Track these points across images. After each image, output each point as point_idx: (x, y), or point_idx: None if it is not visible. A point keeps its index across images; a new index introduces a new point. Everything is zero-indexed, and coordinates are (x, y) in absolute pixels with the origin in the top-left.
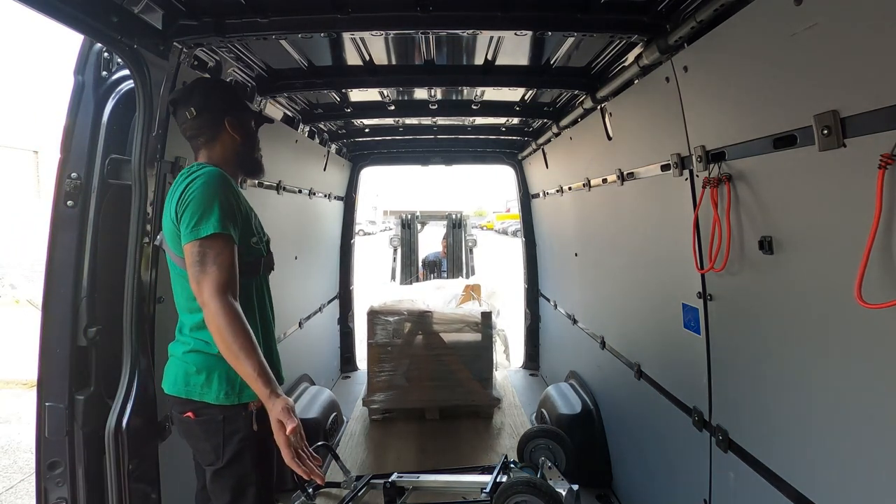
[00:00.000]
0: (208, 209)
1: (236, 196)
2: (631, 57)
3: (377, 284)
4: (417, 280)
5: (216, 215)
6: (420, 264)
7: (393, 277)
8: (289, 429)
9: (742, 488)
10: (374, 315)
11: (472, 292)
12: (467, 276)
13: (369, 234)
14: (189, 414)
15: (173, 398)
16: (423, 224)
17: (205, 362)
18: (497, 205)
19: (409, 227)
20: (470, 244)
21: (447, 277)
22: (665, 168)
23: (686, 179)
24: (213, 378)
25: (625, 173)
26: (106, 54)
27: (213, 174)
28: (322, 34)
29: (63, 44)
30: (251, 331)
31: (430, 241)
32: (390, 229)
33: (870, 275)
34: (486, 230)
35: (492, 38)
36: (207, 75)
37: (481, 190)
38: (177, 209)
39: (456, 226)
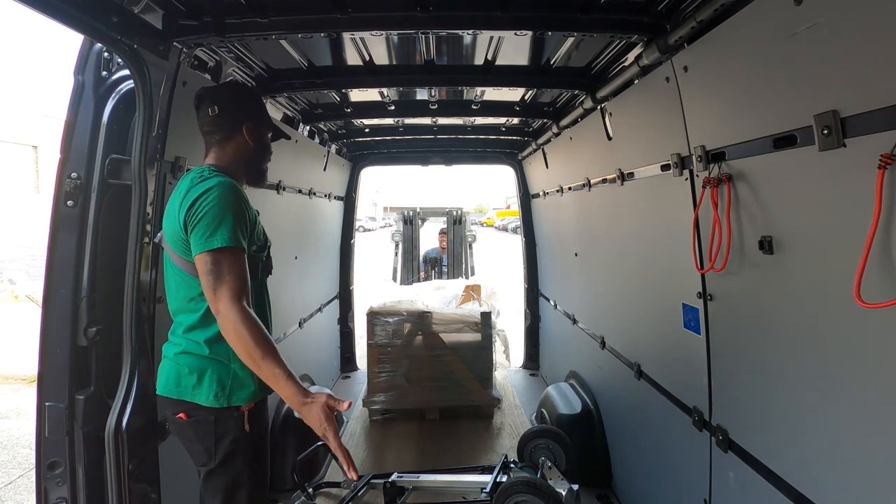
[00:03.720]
0: (222, 222)
1: (246, 205)
2: (631, 57)
3: (377, 283)
4: (419, 280)
5: (229, 228)
6: (421, 260)
7: (394, 278)
8: (331, 437)
9: (742, 488)
10: (373, 316)
11: (472, 292)
12: (467, 276)
13: (369, 230)
14: (181, 415)
15: (166, 399)
16: (424, 220)
17: (196, 364)
18: (497, 201)
19: (410, 223)
20: (470, 240)
21: (448, 275)
22: (665, 168)
23: (686, 179)
24: (204, 379)
25: (625, 173)
26: (106, 54)
27: (226, 186)
28: (322, 34)
29: (64, 43)
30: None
31: (431, 237)
32: (390, 226)
33: (869, 274)
34: (486, 227)
35: (492, 38)
36: (208, 76)
37: (482, 186)
38: (186, 217)
39: (456, 222)
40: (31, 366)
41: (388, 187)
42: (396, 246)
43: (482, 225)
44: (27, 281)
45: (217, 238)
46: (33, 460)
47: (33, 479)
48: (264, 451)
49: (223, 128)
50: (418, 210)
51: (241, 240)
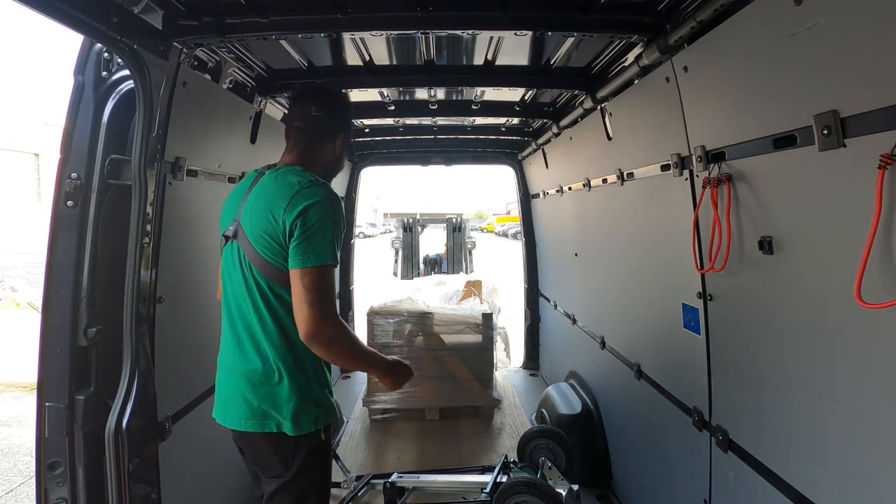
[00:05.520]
0: (332, 238)
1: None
2: (631, 57)
3: (378, 283)
4: (419, 276)
5: (335, 245)
6: (421, 261)
7: (395, 275)
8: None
9: (742, 488)
10: (373, 316)
11: (473, 288)
12: (467, 273)
13: (369, 236)
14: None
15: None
16: (423, 227)
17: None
18: (497, 207)
19: (410, 230)
20: (469, 246)
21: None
22: (665, 168)
23: (686, 179)
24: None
25: (625, 173)
26: (106, 55)
27: (336, 199)
28: (322, 34)
29: (63, 44)
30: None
31: (430, 244)
32: (390, 232)
33: (869, 275)
34: (487, 232)
35: (491, 38)
36: (208, 76)
37: (482, 192)
38: (294, 223)
39: (456, 229)
40: (33, 374)
41: (388, 193)
42: (396, 253)
43: (482, 231)
44: (27, 288)
45: (324, 254)
46: (34, 464)
47: (34, 486)
48: (331, 459)
49: (319, 131)
50: (418, 217)
51: (338, 256)
